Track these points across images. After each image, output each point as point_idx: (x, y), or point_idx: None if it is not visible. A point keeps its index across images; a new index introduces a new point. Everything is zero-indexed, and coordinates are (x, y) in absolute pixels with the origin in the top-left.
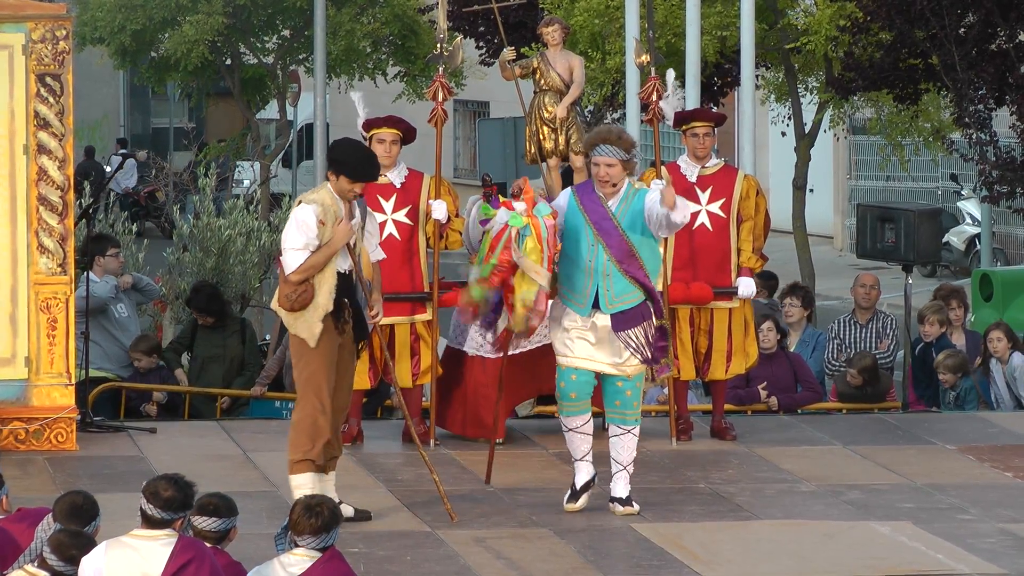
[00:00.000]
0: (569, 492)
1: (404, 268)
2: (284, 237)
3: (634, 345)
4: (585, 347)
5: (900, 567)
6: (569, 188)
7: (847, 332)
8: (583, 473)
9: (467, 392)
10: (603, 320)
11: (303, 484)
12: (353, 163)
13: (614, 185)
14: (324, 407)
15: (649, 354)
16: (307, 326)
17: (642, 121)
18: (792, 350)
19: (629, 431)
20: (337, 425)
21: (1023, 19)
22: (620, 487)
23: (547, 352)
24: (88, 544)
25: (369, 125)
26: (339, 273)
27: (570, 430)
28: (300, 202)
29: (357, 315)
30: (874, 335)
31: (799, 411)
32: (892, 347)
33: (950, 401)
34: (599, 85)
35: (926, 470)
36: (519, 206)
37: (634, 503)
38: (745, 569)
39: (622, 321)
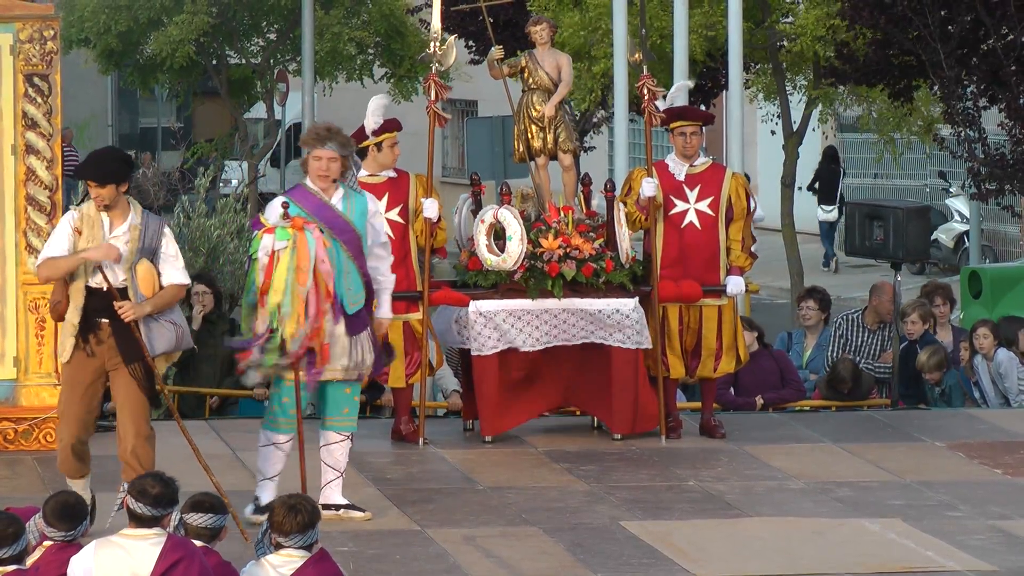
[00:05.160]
0: (253, 507)
1: (398, 267)
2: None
3: (366, 349)
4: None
5: (890, 564)
6: (278, 199)
7: (854, 333)
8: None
9: (494, 389)
10: (339, 327)
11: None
12: (85, 167)
13: (334, 181)
14: (66, 430)
15: (372, 360)
16: (60, 343)
17: (631, 120)
18: (809, 353)
19: (349, 437)
20: (125, 447)
21: (1008, 18)
22: (338, 494)
23: (574, 360)
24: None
25: (383, 130)
26: (95, 289)
27: (273, 444)
28: None
29: (124, 333)
30: (880, 343)
31: (796, 409)
32: (894, 359)
33: (936, 398)
34: (588, 91)
35: (916, 467)
36: (273, 217)
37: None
38: (735, 566)
39: (355, 325)
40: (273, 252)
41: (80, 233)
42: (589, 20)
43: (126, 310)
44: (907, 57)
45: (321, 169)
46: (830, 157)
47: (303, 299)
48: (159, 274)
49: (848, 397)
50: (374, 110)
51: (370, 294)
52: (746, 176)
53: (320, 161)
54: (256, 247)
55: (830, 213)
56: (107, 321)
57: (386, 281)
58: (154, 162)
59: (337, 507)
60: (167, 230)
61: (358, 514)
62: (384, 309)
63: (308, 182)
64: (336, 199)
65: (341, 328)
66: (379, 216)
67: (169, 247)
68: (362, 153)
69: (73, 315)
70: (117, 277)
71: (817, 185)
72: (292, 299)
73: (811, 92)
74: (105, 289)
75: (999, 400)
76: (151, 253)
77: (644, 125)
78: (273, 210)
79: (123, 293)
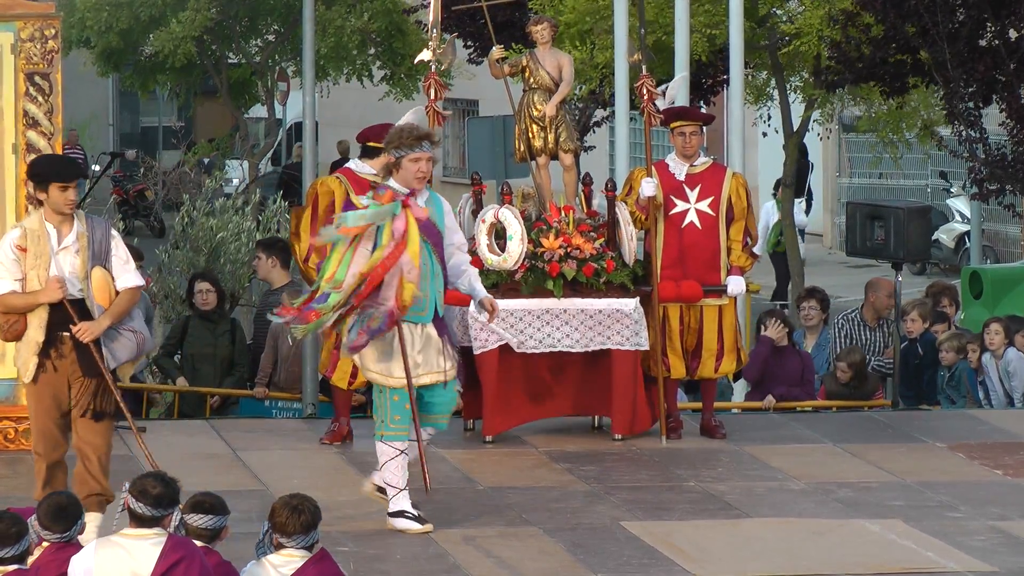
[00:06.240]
0: (413, 517)
1: None
2: None
3: (451, 348)
4: (414, 363)
5: (890, 564)
6: (362, 199)
7: (857, 331)
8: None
9: (495, 387)
10: (431, 329)
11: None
12: (56, 167)
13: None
14: (38, 449)
15: (456, 358)
16: (22, 361)
17: (631, 119)
18: (808, 352)
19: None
20: (87, 464)
21: (1014, 16)
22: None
23: (578, 365)
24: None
25: None
26: (59, 303)
27: (402, 453)
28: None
29: (84, 347)
30: (883, 338)
31: (796, 408)
32: (895, 353)
33: (943, 385)
34: (586, 79)
35: (916, 468)
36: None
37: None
38: (735, 567)
39: (442, 326)
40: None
41: (25, 251)
42: (599, 8)
43: (84, 332)
44: (903, 56)
45: (421, 171)
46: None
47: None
48: (113, 279)
49: (853, 395)
50: (412, 120)
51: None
52: (785, 184)
53: (419, 162)
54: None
55: (799, 205)
56: (68, 335)
57: (472, 270)
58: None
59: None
60: (115, 232)
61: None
62: (482, 290)
63: (393, 183)
64: (421, 201)
65: (433, 331)
66: (452, 215)
67: (119, 250)
68: (369, 151)
69: (37, 332)
70: (74, 288)
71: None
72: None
73: (808, 92)
74: (66, 303)
75: (1004, 399)
76: (102, 259)
77: (643, 125)
78: (364, 200)
79: (81, 304)
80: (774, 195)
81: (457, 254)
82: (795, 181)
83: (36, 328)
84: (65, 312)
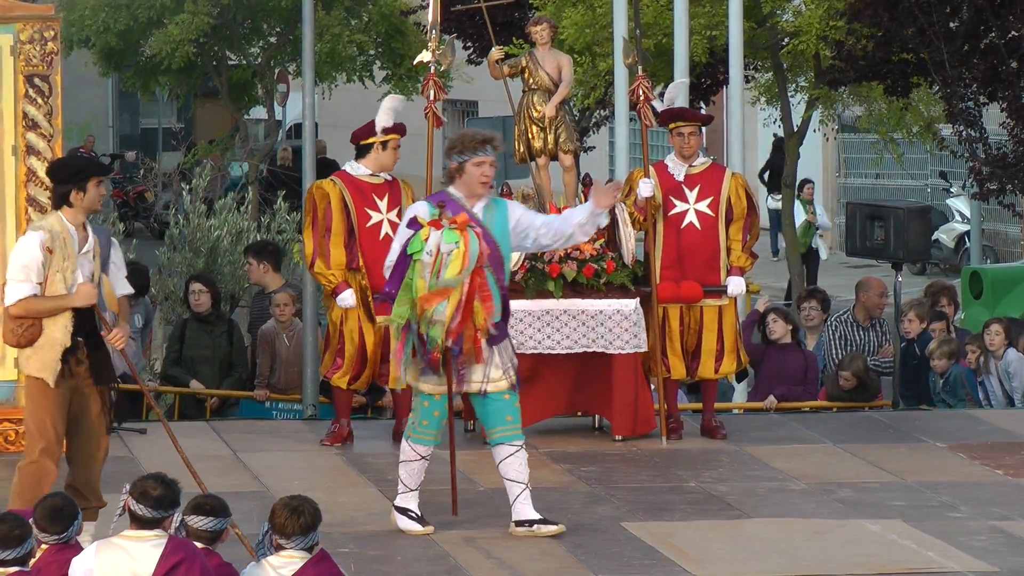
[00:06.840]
0: (416, 518)
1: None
2: (9, 266)
3: (507, 358)
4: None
5: (891, 565)
6: (424, 203)
7: (851, 332)
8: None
9: None
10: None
11: None
12: (92, 161)
13: (491, 187)
14: (51, 454)
15: (514, 374)
16: (42, 364)
17: (631, 120)
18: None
19: (522, 446)
20: (89, 474)
21: (1012, 17)
22: (529, 508)
23: (576, 363)
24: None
25: (391, 130)
26: (84, 308)
27: (423, 458)
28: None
29: (98, 354)
30: (876, 338)
31: (797, 409)
32: (895, 354)
33: (938, 391)
34: (591, 88)
35: (917, 468)
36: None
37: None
38: (736, 567)
39: (496, 336)
40: (438, 253)
41: (52, 252)
42: (597, 17)
43: (120, 338)
44: (906, 55)
45: (486, 175)
46: (779, 147)
47: (458, 306)
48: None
49: (852, 397)
50: (388, 108)
51: (506, 307)
52: (786, 184)
53: (483, 167)
54: (419, 247)
55: (779, 201)
56: (82, 340)
57: (570, 212)
58: (155, 162)
59: (531, 523)
60: (113, 240)
61: (550, 528)
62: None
63: (452, 190)
64: (478, 208)
65: (482, 342)
66: (527, 214)
67: (118, 257)
68: (361, 150)
69: (64, 336)
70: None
71: (768, 174)
72: (449, 306)
73: (811, 92)
74: (96, 308)
75: (1004, 400)
76: (105, 265)
77: (640, 126)
78: (422, 208)
79: (89, 311)
80: (798, 196)
81: (548, 225)
82: (772, 178)
83: (62, 331)
84: (81, 317)
